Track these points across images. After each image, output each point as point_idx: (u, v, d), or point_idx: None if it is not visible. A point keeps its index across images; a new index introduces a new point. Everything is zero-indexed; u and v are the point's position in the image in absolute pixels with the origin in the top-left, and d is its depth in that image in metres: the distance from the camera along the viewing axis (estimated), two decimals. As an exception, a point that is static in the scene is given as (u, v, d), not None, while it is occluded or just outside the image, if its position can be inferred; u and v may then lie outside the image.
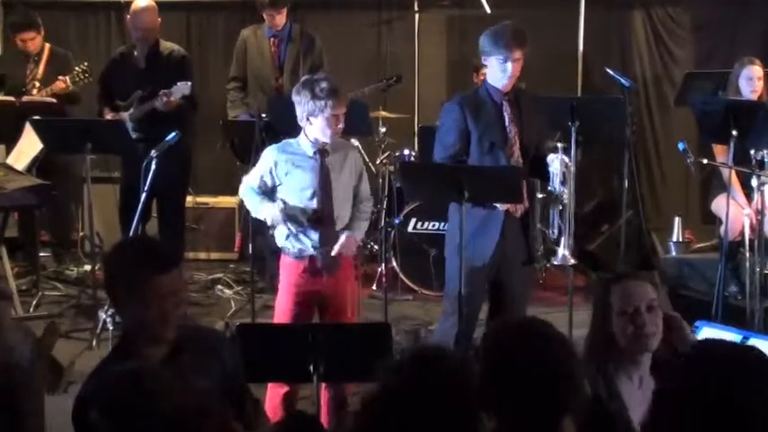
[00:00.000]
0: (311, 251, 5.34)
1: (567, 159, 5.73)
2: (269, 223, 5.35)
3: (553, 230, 5.74)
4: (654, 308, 3.59)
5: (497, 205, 5.57)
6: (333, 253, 5.31)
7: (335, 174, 5.36)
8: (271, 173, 5.34)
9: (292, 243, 5.36)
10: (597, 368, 3.52)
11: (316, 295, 5.37)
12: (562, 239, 5.73)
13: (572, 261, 5.89)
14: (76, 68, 7.96)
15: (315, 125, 5.28)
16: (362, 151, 8.34)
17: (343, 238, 5.32)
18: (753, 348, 2.60)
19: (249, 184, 5.43)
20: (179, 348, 3.41)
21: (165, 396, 2.58)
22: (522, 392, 2.80)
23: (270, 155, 5.40)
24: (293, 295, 5.37)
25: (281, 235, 5.42)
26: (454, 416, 2.77)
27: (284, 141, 5.47)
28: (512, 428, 2.84)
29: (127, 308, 3.43)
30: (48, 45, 8.33)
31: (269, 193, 5.37)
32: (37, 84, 8.14)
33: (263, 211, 5.35)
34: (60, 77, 7.96)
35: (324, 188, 5.32)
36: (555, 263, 5.81)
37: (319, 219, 5.32)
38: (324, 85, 5.25)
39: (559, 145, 5.84)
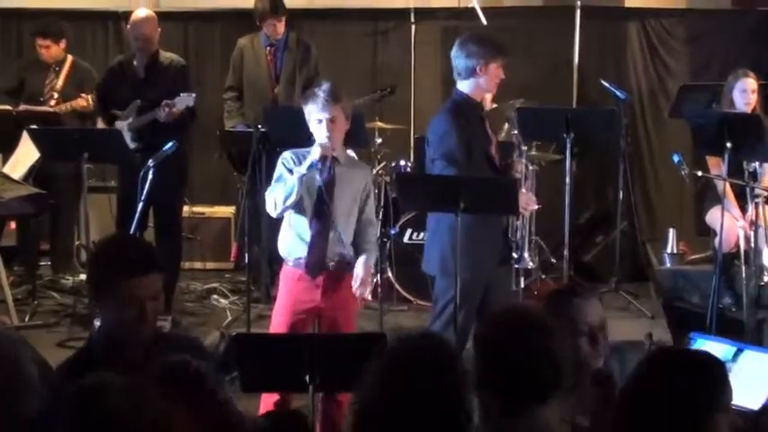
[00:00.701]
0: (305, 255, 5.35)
1: (528, 163, 5.76)
2: (316, 158, 5.22)
3: (515, 234, 5.73)
4: (604, 325, 3.58)
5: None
6: (354, 288, 5.31)
7: (341, 185, 5.34)
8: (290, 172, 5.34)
9: (294, 247, 5.38)
10: None
11: (313, 311, 5.37)
12: (525, 244, 5.74)
13: (531, 264, 5.89)
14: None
15: (312, 129, 5.32)
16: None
17: (360, 268, 5.31)
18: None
19: (269, 190, 5.41)
20: (153, 353, 3.42)
21: (120, 414, 2.57)
22: (511, 378, 2.95)
23: (284, 157, 5.39)
24: (290, 306, 5.38)
25: (283, 243, 5.44)
26: (441, 400, 2.85)
27: (301, 148, 5.44)
28: (500, 411, 2.98)
29: (104, 306, 3.48)
30: (71, 57, 8.31)
31: None
32: (55, 95, 8.13)
33: (295, 173, 5.25)
34: (83, 95, 7.95)
35: (327, 191, 5.30)
36: (516, 266, 5.80)
37: (316, 219, 5.30)
38: (315, 89, 5.31)
39: (524, 148, 5.87)
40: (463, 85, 5.69)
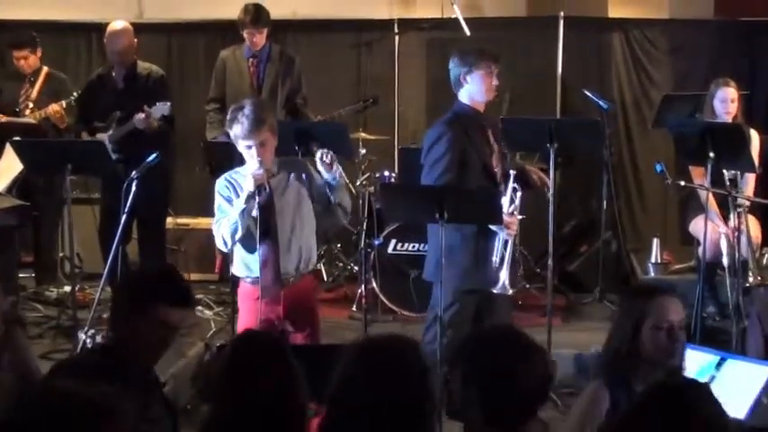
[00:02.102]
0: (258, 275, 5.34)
1: (517, 187, 5.76)
2: (252, 189, 5.19)
3: (495, 258, 5.69)
4: (683, 326, 3.72)
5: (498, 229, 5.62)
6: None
7: (280, 194, 5.34)
8: (231, 202, 5.32)
9: (250, 267, 5.38)
10: (619, 379, 3.66)
11: (280, 324, 5.35)
12: (503, 270, 5.70)
13: (510, 291, 5.85)
14: (74, 93, 7.97)
15: (241, 152, 5.30)
16: (342, 169, 8.38)
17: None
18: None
19: (215, 223, 5.36)
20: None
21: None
22: (495, 395, 2.99)
23: (219, 185, 5.38)
24: (256, 322, 5.36)
25: (237, 263, 5.45)
26: (401, 403, 2.95)
27: (232, 171, 5.44)
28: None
29: (129, 323, 3.50)
30: (45, 68, 8.30)
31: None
32: (30, 104, 8.12)
33: (235, 207, 5.23)
34: (53, 105, 7.94)
35: (267, 215, 5.29)
36: (494, 291, 5.78)
37: (263, 243, 5.28)
38: (237, 114, 5.21)
39: (512, 172, 5.85)
40: (460, 96, 5.75)
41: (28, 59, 8.21)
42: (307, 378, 4.32)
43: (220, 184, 5.38)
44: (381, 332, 3.25)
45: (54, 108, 7.94)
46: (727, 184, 6.62)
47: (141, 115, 7.32)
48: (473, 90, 5.71)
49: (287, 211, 5.34)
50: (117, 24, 7.75)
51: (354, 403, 2.97)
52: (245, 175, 5.28)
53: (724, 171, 6.63)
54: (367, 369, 3.00)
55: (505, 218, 5.59)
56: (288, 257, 5.34)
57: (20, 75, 8.27)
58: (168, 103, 7.41)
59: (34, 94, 8.19)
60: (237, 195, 5.28)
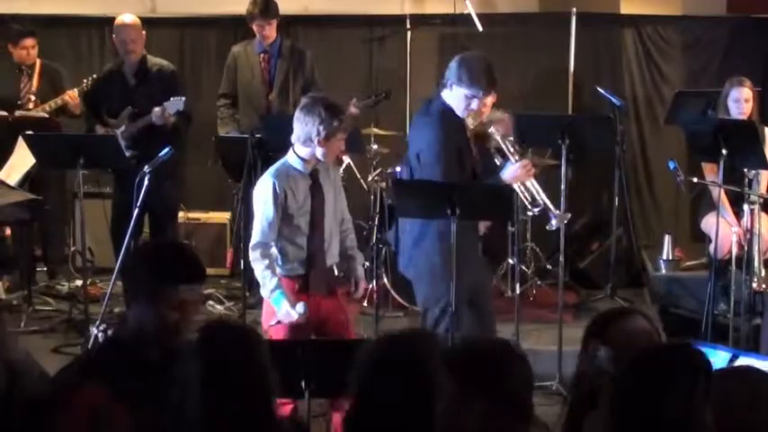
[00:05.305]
0: (301, 270, 5.38)
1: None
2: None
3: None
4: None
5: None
6: (358, 295, 5.67)
7: (324, 192, 5.43)
8: (278, 205, 5.32)
9: (282, 261, 5.38)
10: None
11: (311, 322, 5.37)
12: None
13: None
14: (84, 80, 8.03)
15: (319, 147, 5.29)
16: (353, 167, 8.39)
17: (362, 276, 5.61)
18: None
19: (258, 246, 5.33)
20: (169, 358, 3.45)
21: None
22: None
23: (269, 186, 5.33)
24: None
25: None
26: (413, 394, 3.01)
27: (275, 166, 5.44)
28: None
29: (144, 306, 3.48)
30: (39, 59, 8.33)
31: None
32: (32, 97, 8.15)
33: (282, 306, 5.27)
34: (69, 92, 7.99)
35: (317, 208, 5.37)
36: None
37: (311, 239, 5.37)
38: (336, 110, 5.29)
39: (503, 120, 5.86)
40: (444, 95, 5.64)
41: (35, 48, 8.23)
42: (325, 373, 4.35)
43: (268, 180, 5.35)
44: (401, 328, 3.28)
45: (71, 95, 7.98)
46: (747, 182, 6.60)
47: (158, 109, 7.34)
48: (451, 101, 5.65)
49: (328, 207, 5.43)
50: (125, 17, 7.77)
51: (378, 398, 3.03)
52: (291, 172, 5.35)
53: (744, 170, 6.61)
54: (385, 365, 3.08)
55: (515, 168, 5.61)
56: (330, 252, 5.43)
57: (15, 69, 8.27)
58: (183, 98, 7.42)
59: (34, 86, 8.21)
60: (283, 197, 5.30)
